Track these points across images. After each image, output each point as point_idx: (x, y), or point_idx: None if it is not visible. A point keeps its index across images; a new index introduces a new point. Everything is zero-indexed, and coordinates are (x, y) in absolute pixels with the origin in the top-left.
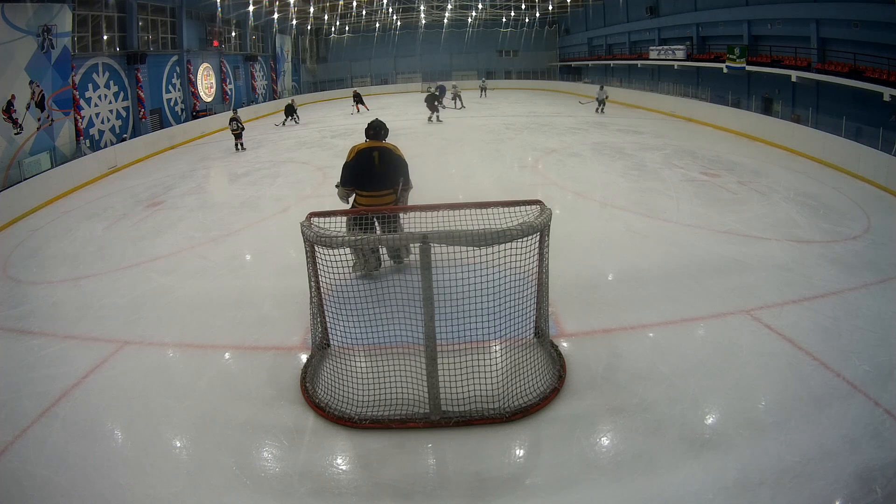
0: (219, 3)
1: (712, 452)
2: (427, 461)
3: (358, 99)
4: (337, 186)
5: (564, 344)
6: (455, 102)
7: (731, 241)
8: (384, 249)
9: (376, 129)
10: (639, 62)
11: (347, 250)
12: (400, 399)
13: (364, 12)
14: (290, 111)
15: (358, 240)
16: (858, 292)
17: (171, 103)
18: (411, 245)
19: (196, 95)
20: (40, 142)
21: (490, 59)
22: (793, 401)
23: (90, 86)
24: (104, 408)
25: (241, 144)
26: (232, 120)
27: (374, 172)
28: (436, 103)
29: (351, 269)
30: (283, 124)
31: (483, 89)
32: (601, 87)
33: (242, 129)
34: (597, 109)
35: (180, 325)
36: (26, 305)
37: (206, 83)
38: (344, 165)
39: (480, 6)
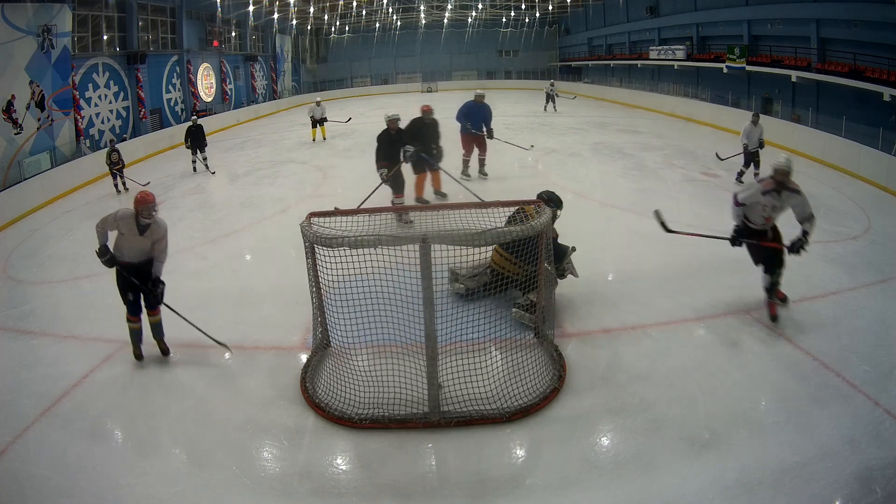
0: (219, 3)
1: (712, 452)
2: (427, 461)
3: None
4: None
5: (564, 344)
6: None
7: None
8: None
9: None
10: (639, 62)
11: (346, 250)
12: (400, 399)
13: (364, 12)
14: (320, 120)
15: (358, 240)
16: (858, 292)
17: (171, 103)
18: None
19: (196, 95)
20: (40, 142)
21: (490, 59)
22: (793, 401)
23: (90, 86)
24: (104, 408)
25: (124, 184)
26: (112, 152)
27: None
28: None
29: None
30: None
31: (551, 98)
32: (754, 121)
33: (123, 164)
34: (742, 173)
35: (180, 324)
36: (26, 305)
37: (206, 83)
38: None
39: (480, 6)
